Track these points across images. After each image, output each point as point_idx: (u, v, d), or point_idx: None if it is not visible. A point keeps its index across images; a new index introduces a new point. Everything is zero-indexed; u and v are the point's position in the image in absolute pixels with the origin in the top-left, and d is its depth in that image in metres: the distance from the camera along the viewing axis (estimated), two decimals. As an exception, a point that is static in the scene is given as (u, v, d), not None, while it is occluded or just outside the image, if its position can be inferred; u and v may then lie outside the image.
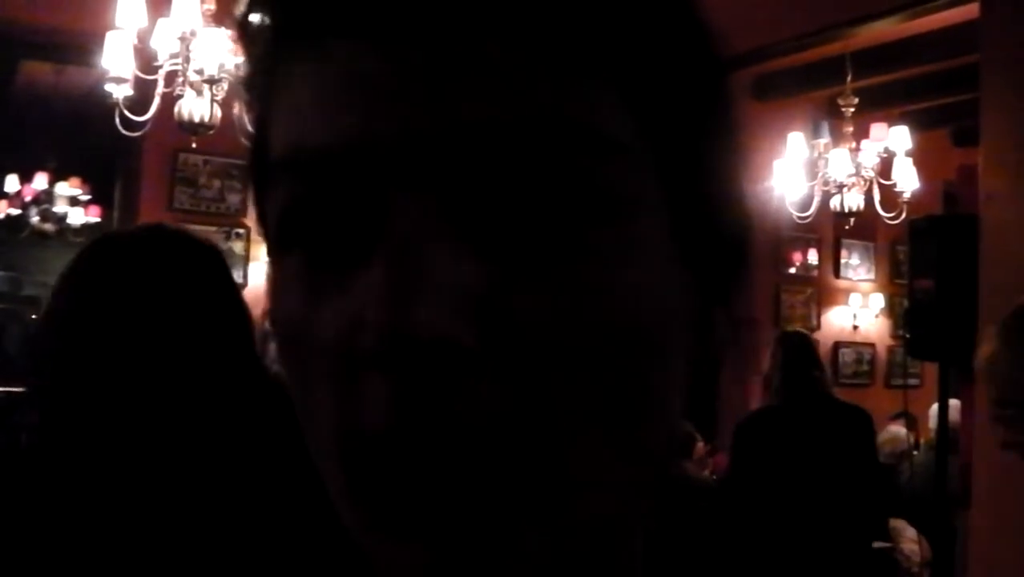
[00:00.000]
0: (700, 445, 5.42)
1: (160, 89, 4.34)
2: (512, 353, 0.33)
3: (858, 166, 6.21)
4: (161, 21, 4.29)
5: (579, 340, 0.34)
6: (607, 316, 0.35)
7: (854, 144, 6.26)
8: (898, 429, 6.25)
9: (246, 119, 0.42)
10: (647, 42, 0.37)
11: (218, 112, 4.36)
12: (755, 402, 7.51)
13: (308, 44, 0.36)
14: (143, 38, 4.29)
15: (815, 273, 8.82)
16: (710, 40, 0.40)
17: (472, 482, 0.33)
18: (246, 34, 0.40)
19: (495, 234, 0.34)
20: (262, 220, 0.41)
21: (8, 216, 10.12)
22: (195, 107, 4.34)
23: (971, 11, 4.54)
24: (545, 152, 0.34)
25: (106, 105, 4.34)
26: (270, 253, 0.40)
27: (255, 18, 0.39)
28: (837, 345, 8.92)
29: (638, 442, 0.37)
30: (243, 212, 6.84)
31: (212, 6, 4.28)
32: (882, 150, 6.26)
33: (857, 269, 9.10)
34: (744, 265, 0.42)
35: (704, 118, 0.39)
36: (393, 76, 0.34)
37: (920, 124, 7.23)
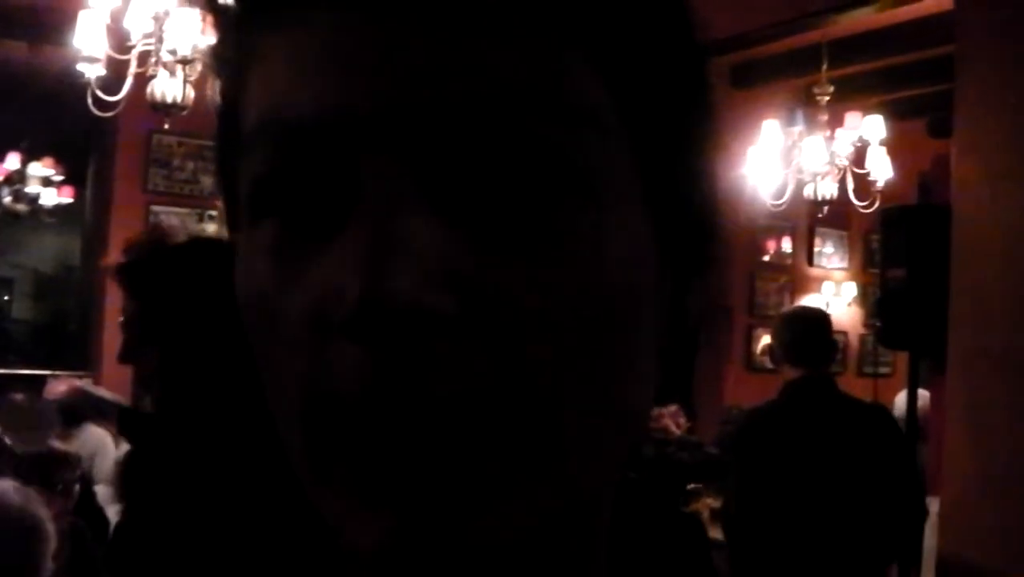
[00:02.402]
0: (682, 421, 5.47)
1: (133, 69, 4.29)
2: (488, 321, 0.34)
3: (832, 155, 6.24)
4: (134, 1, 4.24)
5: (553, 308, 0.34)
6: (580, 284, 0.35)
7: (829, 133, 6.29)
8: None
9: (217, 94, 0.42)
10: (623, 17, 0.37)
11: (191, 93, 4.32)
12: (729, 387, 7.57)
13: (286, 15, 0.36)
14: (116, 18, 4.24)
15: (789, 261, 8.86)
16: (690, 23, 0.41)
17: (447, 449, 0.33)
18: (218, 6, 0.40)
19: (469, 204, 0.34)
20: (228, 192, 0.41)
21: (-21, 197, 10.01)
22: (168, 88, 4.29)
23: (946, 2, 4.56)
24: (516, 123, 0.34)
25: (79, 85, 4.29)
26: (238, 225, 0.39)
27: None
28: (810, 333, 8.98)
29: (610, 412, 0.37)
30: (217, 194, 6.81)
31: (186, -14, 4.25)
32: (856, 139, 6.29)
33: (831, 257, 9.15)
34: (714, 238, 0.43)
35: (681, 99, 0.40)
36: (370, 47, 0.34)
37: (896, 114, 7.27)
